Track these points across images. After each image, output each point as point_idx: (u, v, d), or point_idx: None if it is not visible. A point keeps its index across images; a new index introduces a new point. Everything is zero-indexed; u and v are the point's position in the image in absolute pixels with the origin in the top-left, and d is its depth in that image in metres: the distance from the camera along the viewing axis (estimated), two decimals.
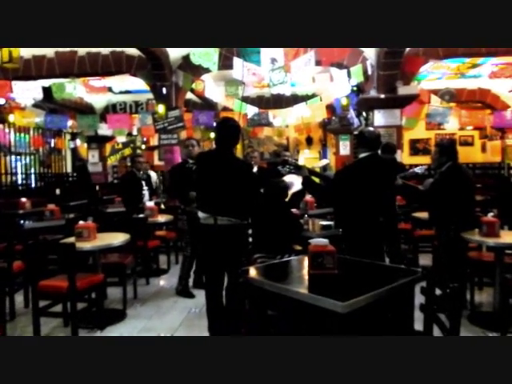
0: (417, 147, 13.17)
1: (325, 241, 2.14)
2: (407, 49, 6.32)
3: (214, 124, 8.17)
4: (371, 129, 3.24)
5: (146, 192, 5.60)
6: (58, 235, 4.57)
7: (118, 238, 3.59)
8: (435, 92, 8.76)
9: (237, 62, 5.14)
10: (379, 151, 3.22)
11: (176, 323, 3.52)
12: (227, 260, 3.06)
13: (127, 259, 3.94)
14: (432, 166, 4.05)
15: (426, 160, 12.17)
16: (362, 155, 3.03)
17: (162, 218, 5.03)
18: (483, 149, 12.71)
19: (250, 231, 3.80)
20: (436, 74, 9.19)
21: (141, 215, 4.92)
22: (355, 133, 11.12)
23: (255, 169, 4.43)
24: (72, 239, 3.46)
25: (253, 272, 2.17)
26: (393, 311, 1.96)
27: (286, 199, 3.85)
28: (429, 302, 2.08)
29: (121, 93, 10.64)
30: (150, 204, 5.12)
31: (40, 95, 6.17)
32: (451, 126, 10.86)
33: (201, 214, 3.10)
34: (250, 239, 3.78)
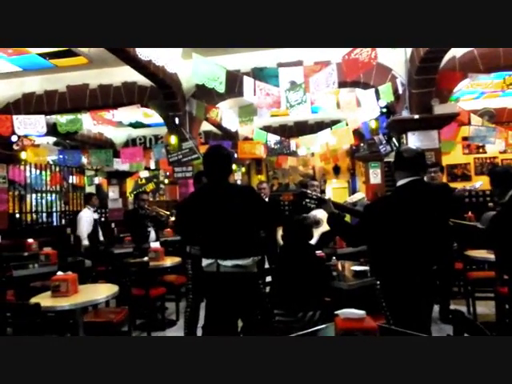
0: (454, 173, 12.16)
1: (359, 312, 1.43)
2: (442, 63, 5.65)
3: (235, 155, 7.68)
4: (412, 147, 2.50)
5: (151, 230, 5.04)
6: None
7: (105, 292, 2.97)
8: (473, 112, 7.97)
9: (247, 81, 4.61)
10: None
11: None
12: (236, 318, 2.57)
13: (118, 316, 3.28)
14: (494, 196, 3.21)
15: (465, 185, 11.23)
16: (401, 182, 2.28)
17: (167, 262, 4.40)
18: None
19: (267, 279, 3.19)
20: (472, 94, 8.44)
21: (145, 258, 4.34)
22: (386, 159, 10.38)
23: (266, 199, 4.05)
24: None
25: None
26: None
27: (312, 241, 3.18)
28: None
29: (140, 127, 10.42)
30: (155, 245, 4.52)
31: (44, 129, 5.84)
32: (492, 149, 9.93)
33: (203, 262, 2.54)
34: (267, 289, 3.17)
